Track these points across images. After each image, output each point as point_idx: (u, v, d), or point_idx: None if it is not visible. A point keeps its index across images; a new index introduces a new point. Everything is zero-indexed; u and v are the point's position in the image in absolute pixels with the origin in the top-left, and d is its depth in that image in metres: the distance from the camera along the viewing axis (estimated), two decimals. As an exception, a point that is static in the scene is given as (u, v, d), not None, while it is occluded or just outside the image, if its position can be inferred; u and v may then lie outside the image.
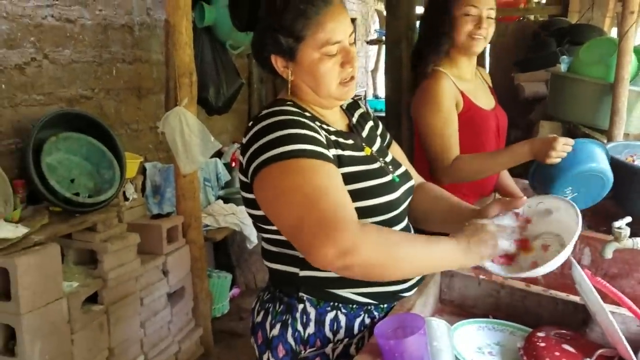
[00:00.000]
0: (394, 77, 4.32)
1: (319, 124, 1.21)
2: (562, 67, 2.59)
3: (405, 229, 1.32)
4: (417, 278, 1.30)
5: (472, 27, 1.85)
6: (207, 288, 3.04)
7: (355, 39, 1.24)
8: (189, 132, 2.62)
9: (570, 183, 1.78)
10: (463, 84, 1.94)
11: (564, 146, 1.70)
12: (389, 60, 4.35)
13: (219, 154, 3.96)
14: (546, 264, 1.08)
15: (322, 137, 1.16)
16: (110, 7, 2.99)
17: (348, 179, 1.15)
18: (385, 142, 1.44)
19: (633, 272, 1.78)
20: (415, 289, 1.30)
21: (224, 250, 3.78)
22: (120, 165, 2.47)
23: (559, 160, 1.72)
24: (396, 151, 1.46)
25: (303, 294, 1.23)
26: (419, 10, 4.41)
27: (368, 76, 10.07)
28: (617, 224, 1.38)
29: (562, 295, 1.32)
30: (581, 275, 1.15)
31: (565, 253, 1.10)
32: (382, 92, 7.84)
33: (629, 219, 1.39)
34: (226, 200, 3.52)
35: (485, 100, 2.02)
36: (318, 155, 1.10)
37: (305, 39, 1.17)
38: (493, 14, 1.88)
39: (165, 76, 2.63)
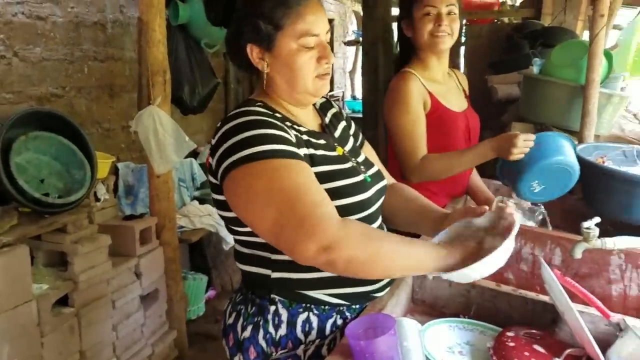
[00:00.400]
0: (371, 78, 4.34)
1: (289, 124, 1.20)
2: (534, 69, 2.62)
3: (379, 229, 1.31)
4: (387, 279, 1.30)
5: (433, 26, 1.89)
6: (182, 290, 3.01)
7: (332, 38, 1.24)
8: (163, 132, 2.58)
9: (536, 177, 1.80)
10: (432, 84, 1.97)
11: (524, 142, 1.73)
12: (366, 62, 4.37)
13: (194, 154, 3.93)
14: (481, 260, 1.05)
15: (291, 136, 1.15)
16: (82, 5, 2.94)
17: (320, 178, 1.14)
18: (358, 142, 1.44)
19: (603, 272, 1.81)
20: (387, 290, 1.30)
21: (199, 252, 3.74)
22: (91, 165, 2.43)
23: (521, 156, 1.75)
24: (368, 151, 1.46)
25: (275, 296, 1.22)
26: (396, 12, 4.44)
27: (346, 77, 10.08)
28: (585, 224, 1.39)
29: (532, 294, 1.33)
30: (550, 275, 1.16)
31: (502, 249, 1.06)
32: (359, 93, 7.87)
33: (597, 219, 1.41)
34: (202, 201, 3.49)
35: (456, 102, 2.04)
36: (289, 154, 1.09)
37: (284, 28, 1.17)
38: (455, 9, 1.90)
39: (138, 74, 2.59)
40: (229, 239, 3.40)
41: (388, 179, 1.45)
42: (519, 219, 1.13)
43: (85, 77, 3.00)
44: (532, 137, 1.76)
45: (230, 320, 1.29)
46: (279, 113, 1.22)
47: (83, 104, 3.00)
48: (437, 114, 1.93)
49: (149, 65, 2.52)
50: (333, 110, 1.42)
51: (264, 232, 1.08)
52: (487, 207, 1.21)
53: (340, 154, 1.27)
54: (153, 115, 2.56)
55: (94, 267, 2.36)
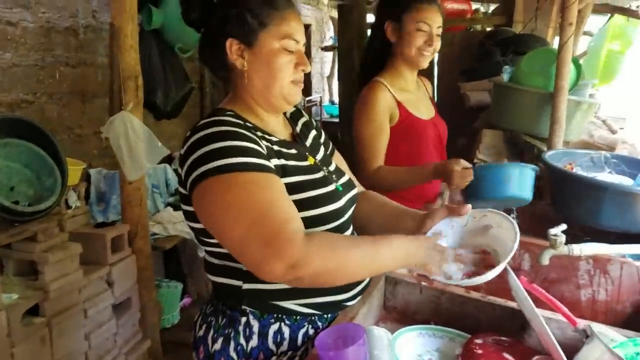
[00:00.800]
0: (347, 83, 4.37)
1: (260, 134, 1.19)
2: (505, 76, 2.66)
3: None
4: (360, 287, 1.31)
5: (423, 43, 1.91)
6: (155, 298, 2.97)
7: (309, 44, 1.25)
8: (135, 137, 2.55)
9: (487, 205, 1.79)
10: (402, 94, 1.99)
11: (463, 171, 1.75)
12: (342, 67, 4.40)
13: (169, 160, 3.89)
14: (473, 279, 1.10)
15: (262, 148, 1.14)
16: (53, 10, 2.90)
17: (292, 188, 1.14)
18: (329, 151, 1.45)
19: (571, 277, 1.84)
20: (359, 298, 1.31)
21: (174, 259, 3.70)
22: (61, 172, 2.39)
23: (463, 185, 1.79)
24: (338, 160, 1.46)
25: (246, 307, 1.21)
26: (370, 18, 4.48)
27: (324, 82, 10.11)
28: (552, 231, 1.42)
29: (500, 301, 1.35)
30: (515, 282, 1.17)
31: (495, 272, 1.11)
32: (337, 98, 7.90)
33: (564, 226, 1.44)
34: (176, 207, 3.46)
35: (425, 110, 2.07)
36: (259, 167, 1.08)
37: (268, 27, 1.18)
38: (440, 31, 1.94)
39: (110, 80, 2.56)
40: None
41: (358, 188, 1.46)
42: (514, 249, 1.14)
43: (56, 83, 2.96)
44: (470, 171, 1.78)
45: (201, 333, 1.28)
46: (250, 122, 1.21)
47: (54, 110, 2.96)
48: (406, 123, 1.96)
49: (121, 70, 2.50)
50: (303, 119, 1.42)
51: (231, 246, 1.07)
52: (469, 206, 1.23)
53: (312, 163, 1.27)
54: (125, 120, 2.53)
55: (65, 276, 2.31)
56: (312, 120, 1.47)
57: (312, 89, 8.87)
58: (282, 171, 1.16)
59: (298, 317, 1.22)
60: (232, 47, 1.19)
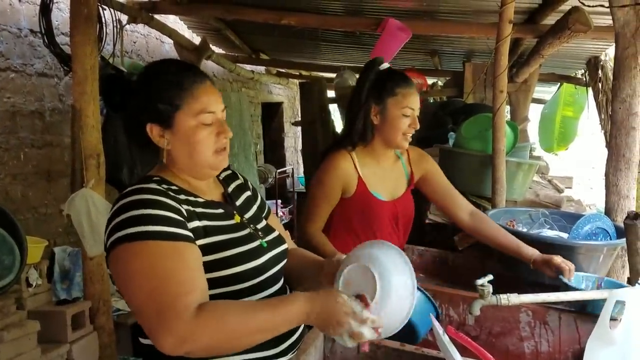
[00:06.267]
0: (311, 154, 4.52)
1: (184, 197, 1.25)
2: (450, 142, 2.82)
3: (279, 293, 1.36)
4: (290, 341, 1.33)
5: (407, 127, 1.95)
6: (119, 376, 2.92)
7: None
8: (96, 213, 2.61)
9: None
10: (368, 169, 2.01)
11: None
12: (305, 139, 4.58)
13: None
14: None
15: (183, 213, 1.20)
16: (19, 95, 3.03)
17: (214, 248, 1.21)
18: (264, 213, 1.52)
19: (514, 330, 1.90)
20: (292, 354, 1.34)
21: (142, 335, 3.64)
22: (20, 251, 2.42)
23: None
24: (274, 221, 1.54)
25: None
26: (331, 93, 4.72)
27: (298, 155, 10.33)
28: (479, 281, 1.49)
29: (433, 352, 1.39)
30: (438, 331, 1.23)
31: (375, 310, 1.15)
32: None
33: (490, 276, 1.51)
34: (141, 282, 3.44)
35: (388, 189, 2.07)
36: (172, 236, 1.14)
37: (181, 107, 1.24)
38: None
39: (72, 159, 2.65)
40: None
41: (289, 243, 1.52)
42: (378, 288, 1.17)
43: (21, 164, 3.03)
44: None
45: None
46: (176, 185, 1.27)
47: (18, 190, 3.02)
48: (361, 198, 2.00)
49: (83, 149, 2.58)
50: (238, 182, 1.50)
51: (135, 313, 1.13)
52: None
53: (237, 221, 1.34)
54: (86, 197, 2.59)
55: (20, 355, 2.29)
56: (249, 184, 1.54)
57: (287, 162, 9.07)
58: (204, 232, 1.23)
59: None
60: (153, 131, 1.25)
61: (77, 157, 2.63)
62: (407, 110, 1.94)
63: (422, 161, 2.19)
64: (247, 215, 1.40)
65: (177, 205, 1.21)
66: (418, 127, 1.98)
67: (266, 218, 1.51)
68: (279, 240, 1.43)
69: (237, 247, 1.26)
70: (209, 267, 1.20)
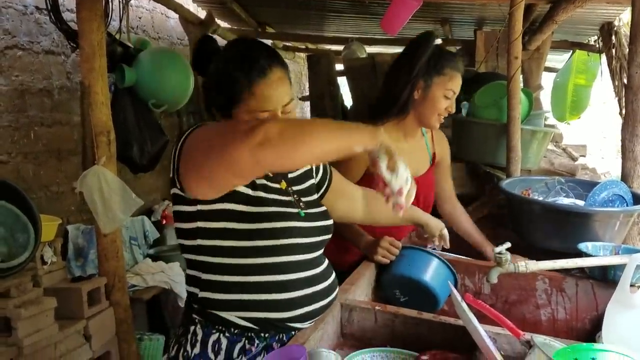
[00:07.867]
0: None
1: None
2: (463, 111, 2.78)
3: (317, 261, 1.42)
4: (304, 310, 1.34)
5: (444, 110, 1.91)
6: (136, 351, 2.95)
7: (293, 105, 1.34)
8: (109, 190, 2.61)
9: (396, 286, 1.77)
10: (395, 144, 1.94)
11: (389, 247, 1.79)
12: (314, 114, 4.52)
13: (148, 212, 3.94)
14: None
15: None
16: (27, 73, 3.00)
17: (254, 200, 1.30)
18: (323, 187, 1.58)
19: (530, 298, 1.89)
20: (309, 323, 1.35)
21: (158, 311, 3.69)
22: (35, 229, 2.43)
23: (385, 260, 1.79)
24: (338, 182, 1.64)
25: (196, 316, 1.33)
26: (339, 67, 4.66)
27: (305, 130, 10.29)
28: (497, 249, 1.48)
29: (451, 320, 1.39)
30: (457, 299, 1.22)
31: None
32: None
33: (508, 244, 1.50)
34: (155, 258, 3.48)
35: (412, 166, 1.98)
36: None
37: (239, 103, 1.31)
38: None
39: (82, 136, 2.64)
40: (184, 294, 3.37)
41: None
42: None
43: (31, 143, 3.03)
44: (397, 244, 1.81)
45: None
46: None
47: (30, 169, 3.02)
48: None
49: (93, 126, 2.57)
50: None
51: (212, 158, 1.19)
52: None
53: (283, 187, 1.39)
54: (98, 174, 2.59)
55: (39, 331, 2.31)
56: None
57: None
58: (252, 183, 1.32)
59: (236, 331, 1.31)
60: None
61: (87, 134, 2.62)
62: (449, 93, 1.90)
63: (443, 144, 2.19)
64: (296, 188, 1.44)
65: None
66: (454, 111, 1.97)
67: (326, 189, 1.58)
68: (324, 215, 1.46)
69: (273, 207, 1.32)
70: (240, 217, 1.27)
